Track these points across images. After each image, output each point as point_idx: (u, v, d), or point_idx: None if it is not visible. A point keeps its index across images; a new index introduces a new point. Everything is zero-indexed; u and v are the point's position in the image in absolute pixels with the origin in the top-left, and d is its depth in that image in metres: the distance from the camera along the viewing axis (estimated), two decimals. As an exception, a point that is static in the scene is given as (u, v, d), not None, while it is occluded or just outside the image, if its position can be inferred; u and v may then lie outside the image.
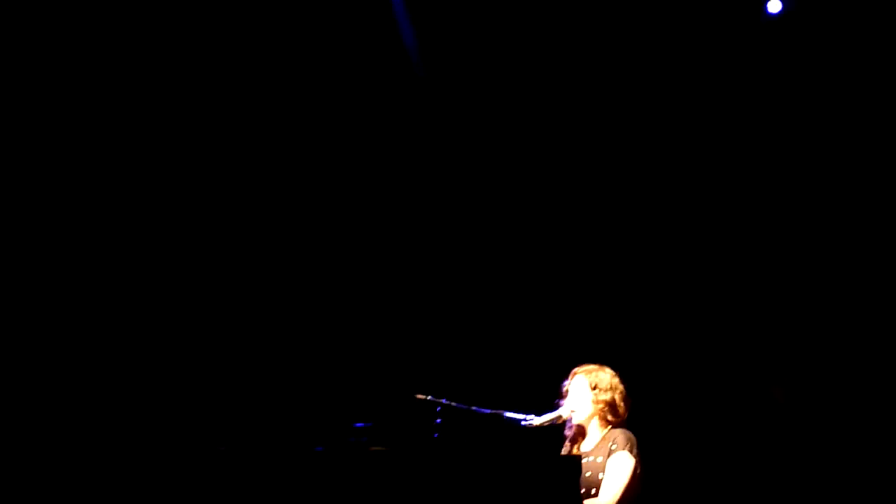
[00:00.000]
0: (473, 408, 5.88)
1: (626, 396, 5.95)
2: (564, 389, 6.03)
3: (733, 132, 8.20)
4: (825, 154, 8.11)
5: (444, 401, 5.82)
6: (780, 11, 8.00)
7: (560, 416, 5.95)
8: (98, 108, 7.79)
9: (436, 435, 5.76)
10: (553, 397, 6.06)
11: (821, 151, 8.10)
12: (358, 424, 5.74)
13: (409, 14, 7.97)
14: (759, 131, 8.18)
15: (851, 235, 8.03)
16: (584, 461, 5.78)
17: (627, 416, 5.93)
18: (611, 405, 5.91)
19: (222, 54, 7.91)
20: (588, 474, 5.75)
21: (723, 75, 8.10)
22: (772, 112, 8.14)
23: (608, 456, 5.75)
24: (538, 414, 5.91)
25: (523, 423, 5.87)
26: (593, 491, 5.70)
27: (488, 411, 5.90)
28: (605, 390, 5.92)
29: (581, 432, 6.00)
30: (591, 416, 5.95)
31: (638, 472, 5.73)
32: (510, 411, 5.90)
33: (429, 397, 5.84)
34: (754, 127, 8.17)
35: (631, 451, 5.73)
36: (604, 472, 5.72)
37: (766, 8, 8.02)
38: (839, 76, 7.96)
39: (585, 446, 5.95)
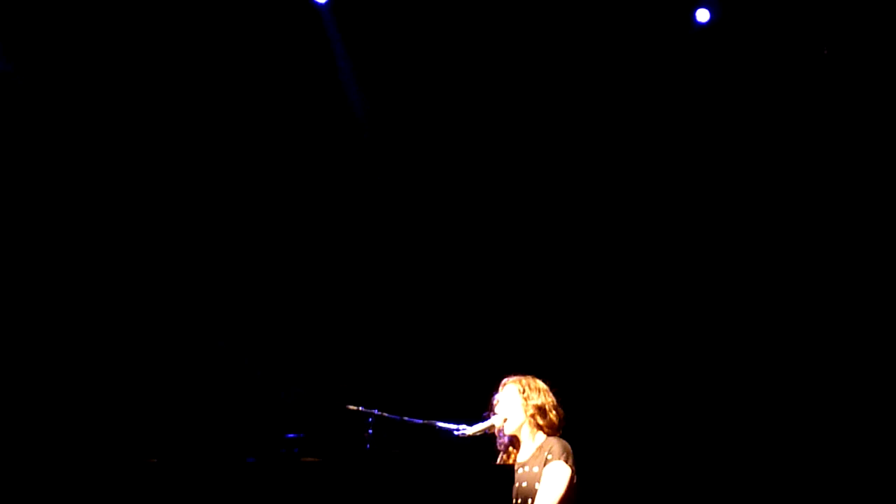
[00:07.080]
0: (405, 418, 5.85)
1: (558, 406, 5.95)
2: (495, 401, 6.01)
3: (661, 139, 8.26)
4: (750, 162, 8.20)
5: (375, 411, 5.78)
6: (709, 21, 8.07)
7: (493, 426, 5.92)
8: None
9: (368, 446, 5.72)
10: (483, 408, 6.05)
11: (749, 159, 8.19)
12: (289, 435, 5.70)
13: None
14: (686, 138, 8.25)
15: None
16: (519, 471, 5.77)
17: (561, 429, 5.94)
18: (541, 409, 5.89)
19: None
20: (524, 484, 5.72)
21: (651, 84, 8.15)
22: (699, 119, 8.21)
23: (544, 465, 5.73)
24: (470, 424, 5.90)
25: (456, 433, 5.84)
26: (529, 501, 5.67)
27: (420, 421, 5.87)
28: (536, 394, 5.92)
29: (514, 442, 5.98)
30: (523, 424, 5.92)
31: (574, 481, 5.71)
32: (442, 421, 5.88)
33: (360, 408, 5.79)
34: (682, 133, 8.24)
35: (567, 461, 5.71)
36: (539, 481, 5.70)
37: (694, 17, 8.10)
38: (766, 84, 8.06)
39: (521, 457, 5.92)
